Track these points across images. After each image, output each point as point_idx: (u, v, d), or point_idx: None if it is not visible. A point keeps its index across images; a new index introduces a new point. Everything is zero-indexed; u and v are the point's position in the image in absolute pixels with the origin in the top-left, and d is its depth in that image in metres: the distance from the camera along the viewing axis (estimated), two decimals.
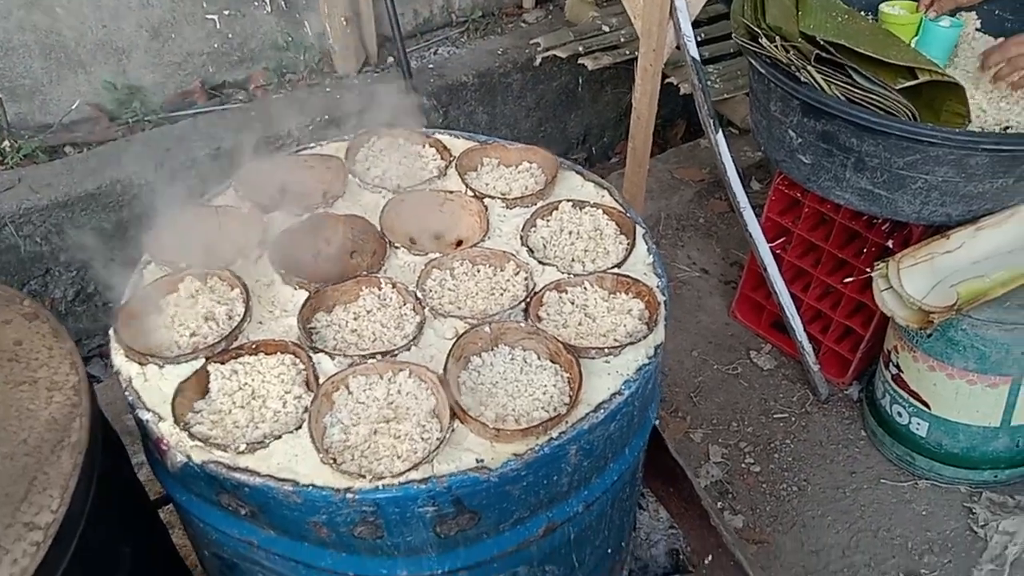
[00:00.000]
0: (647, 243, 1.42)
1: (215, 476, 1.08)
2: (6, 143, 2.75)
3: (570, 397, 1.15)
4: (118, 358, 1.19)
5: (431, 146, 1.61)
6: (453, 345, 1.19)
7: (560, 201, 1.48)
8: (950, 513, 2.11)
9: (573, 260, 1.40)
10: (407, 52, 3.14)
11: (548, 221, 1.46)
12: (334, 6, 3.13)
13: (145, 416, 1.13)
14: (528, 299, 1.29)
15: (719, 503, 2.18)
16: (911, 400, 2.10)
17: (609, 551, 1.45)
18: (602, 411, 1.14)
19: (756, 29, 1.93)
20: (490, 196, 1.48)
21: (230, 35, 3.14)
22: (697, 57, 2.11)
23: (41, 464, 1.03)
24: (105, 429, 1.22)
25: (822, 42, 1.85)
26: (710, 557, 1.84)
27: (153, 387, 1.16)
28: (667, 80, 3.01)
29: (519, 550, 1.21)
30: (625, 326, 1.27)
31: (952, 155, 1.80)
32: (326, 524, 1.09)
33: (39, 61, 2.75)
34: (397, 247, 1.39)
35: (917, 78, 1.82)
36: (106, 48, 2.89)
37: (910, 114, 1.79)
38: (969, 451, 2.10)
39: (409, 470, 1.05)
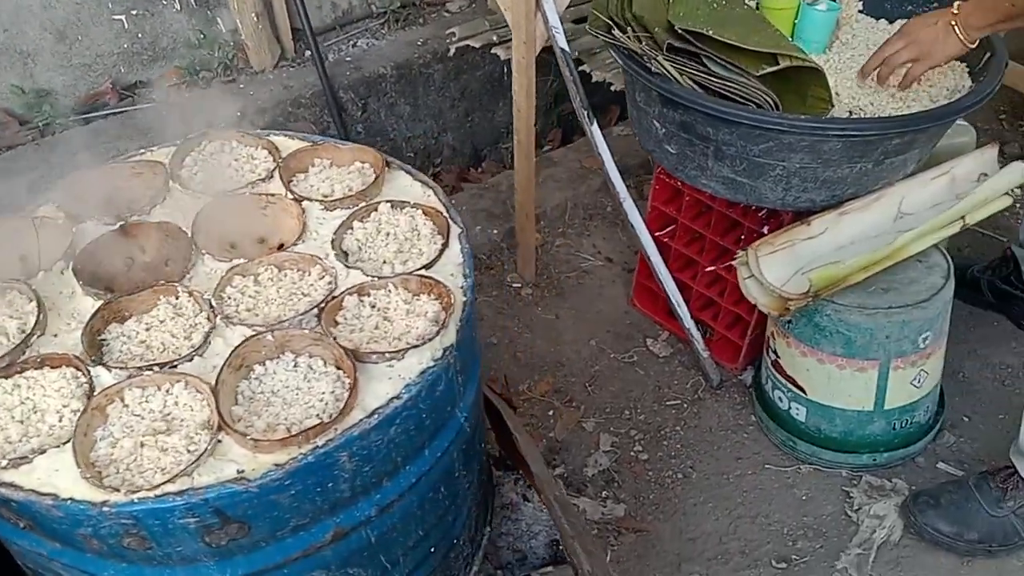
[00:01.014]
0: (461, 243, 1.42)
1: None
2: None
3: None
4: None
5: (263, 148, 1.61)
6: (231, 354, 1.19)
7: (380, 202, 1.48)
8: (829, 498, 2.12)
9: (384, 262, 1.40)
10: (321, 46, 3.13)
11: (365, 223, 1.46)
12: (244, 1, 3.11)
13: None
14: (324, 304, 1.29)
15: (603, 492, 2.19)
16: (789, 385, 2.11)
17: (432, 550, 1.46)
18: (376, 416, 1.15)
19: (614, 19, 1.92)
20: (309, 199, 1.48)
21: (140, 34, 3.13)
22: (566, 48, 2.10)
23: None
24: None
25: (679, 31, 1.84)
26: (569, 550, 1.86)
27: None
28: (581, 68, 3.00)
29: (307, 555, 1.22)
30: (417, 328, 1.27)
31: (804, 141, 1.79)
32: (94, 536, 1.10)
33: None
34: (204, 254, 1.39)
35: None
36: (10, 52, 2.88)
37: (771, 102, 1.78)
38: (847, 435, 2.10)
39: (166, 483, 1.06)
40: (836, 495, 2.13)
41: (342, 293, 1.32)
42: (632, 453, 2.28)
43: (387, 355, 1.21)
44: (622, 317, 2.62)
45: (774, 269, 1.88)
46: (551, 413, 2.38)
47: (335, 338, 1.23)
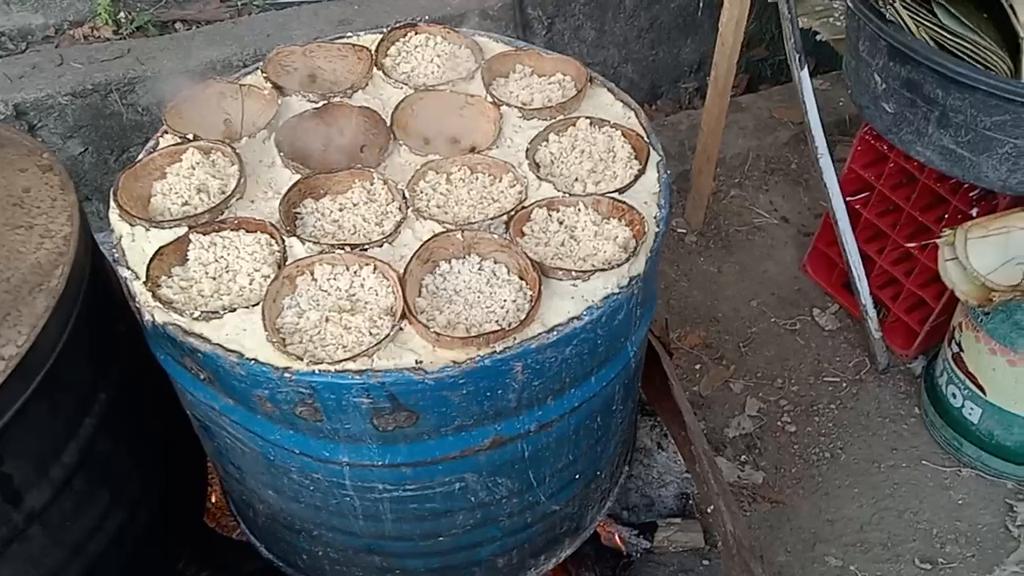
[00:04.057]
0: (659, 171, 1.36)
1: (174, 338, 1.13)
2: (122, 14, 2.90)
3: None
4: (113, 217, 1.25)
5: (467, 47, 1.58)
6: (421, 246, 1.18)
7: (579, 118, 1.42)
8: (988, 507, 1.97)
9: (576, 180, 1.35)
10: None
11: (561, 137, 1.41)
12: None
13: (125, 274, 1.19)
14: (514, 212, 1.26)
15: (742, 456, 2.11)
16: (967, 382, 1.95)
17: (577, 476, 1.43)
18: (555, 333, 1.12)
19: None
20: (508, 104, 1.44)
21: None
22: None
23: (17, 303, 1.11)
24: (100, 282, 1.30)
25: None
26: (711, 507, 1.80)
27: (137, 248, 1.22)
28: None
29: (464, 456, 1.22)
30: (605, 252, 1.22)
31: None
32: (269, 400, 1.13)
33: None
34: (402, 144, 1.38)
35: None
36: None
37: (1008, 69, 1.61)
38: (1022, 445, 1.93)
39: (346, 360, 1.07)
40: (997, 506, 1.98)
41: (531, 205, 1.28)
42: (779, 423, 2.18)
43: (573, 273, 1.17)
44: (790, 282, 2.49)
45: (983, 256, 1.71)
46: (698, 367, 2.31)
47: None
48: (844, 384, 2.25)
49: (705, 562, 1.84)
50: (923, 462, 2.07)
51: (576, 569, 1.77)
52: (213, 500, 1.82)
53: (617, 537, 1.80)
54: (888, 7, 1.67)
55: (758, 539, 1.94)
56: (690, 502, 1.98)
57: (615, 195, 1.30)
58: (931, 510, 1.98)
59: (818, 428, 2.16)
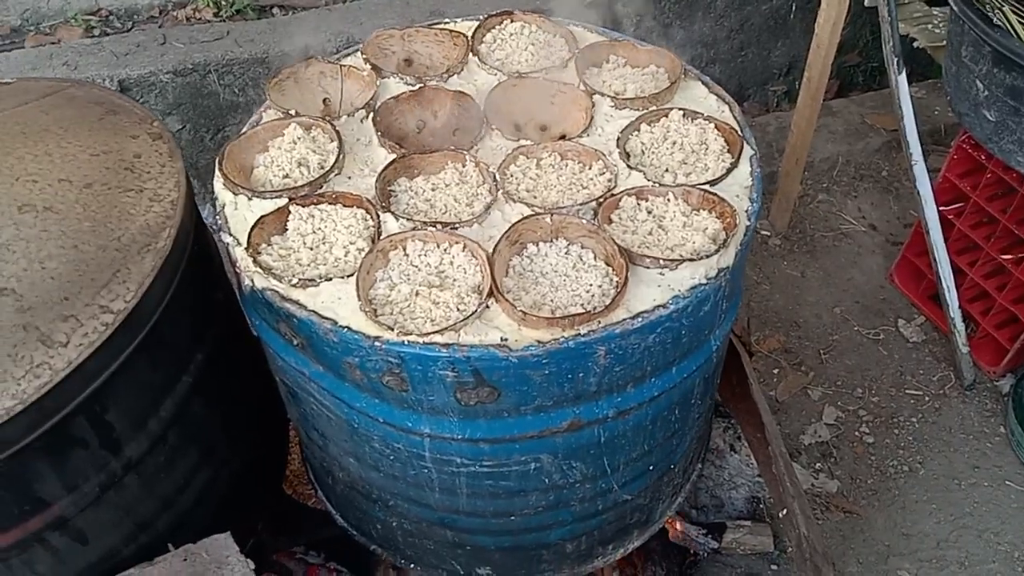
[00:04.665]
0: (752, 166, 1.35)
1: (271, 303, 1.17)
2: None
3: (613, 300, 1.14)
4: (218, 186, 1.31)
5: (561, 36, 1.59)
6: (510, 228, 1.20)
7: (672, 109, 1.42)
8: None
9: (667, 170, 1.35)
10: None
11: (653, 127, 1.41)
12: None
13: (227, 240, 1.24)
14: (603, 199, 1.26)
15: (817, 464, 2.08)
16: None
17: (651, 468, 1.43)
18: (640, 319, 1.12)
19: None
20: (601, 93, 1.45)
21: None
22: None
23: (127, 261, 1.17)
24: (201, 248, 1.36)
25: None
26: (784, 511, 1.78)
27: (240, 216, 1.27)
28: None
29: (541, 437, 1.23)
30: (693, 243, 1.22)
31: None
32: (359, 367, 1.16)
33: None
34: (494, 129, 1.40)
35: None
36: None
37: None
38: None
39: (435, 333, 1.10)
40: None
41: (621, 193, 1.28)
42: (857, 433, 2.14)
43: (661, 262, 1.17)
44: (875, 291, 2.43)
45: None
46: (776, 372, 2.27)
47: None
48: (927, 398, 2.19)
49: (773, 567, 1.83)
50: (1007, 483, 2.00)
51: (643, 562, 1.77)
52: (291, 469, 1.88)
53: (686, 533, 1.79)
54: (996, 11, 1.62)
55: (830, 547, 1.91)
56: (760, 506, 1.96)
57: (706, 187, 1.30)
58: (1013, 532, 1.91)
59: (897, 441, 2.11)
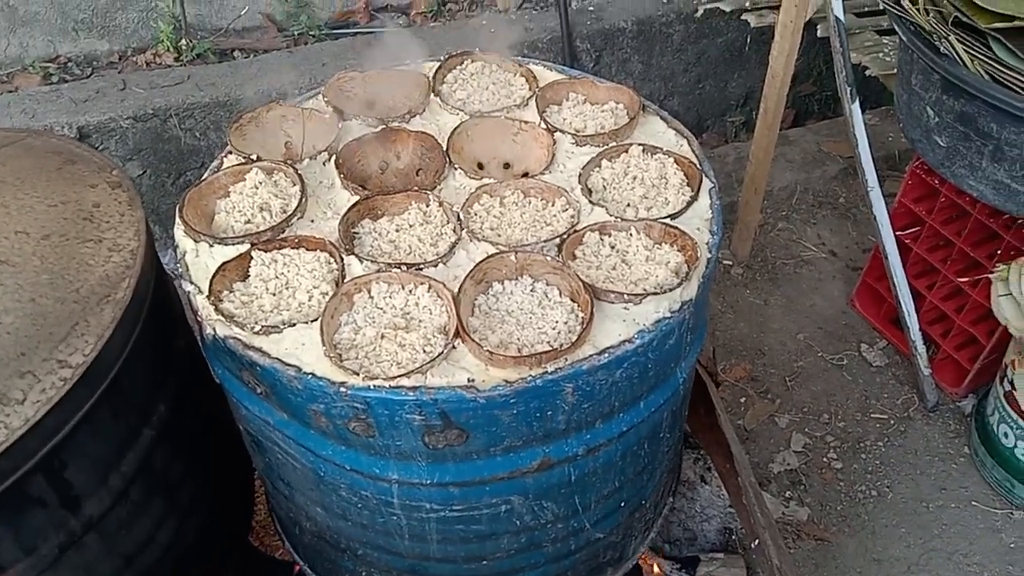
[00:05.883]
0: (711, 198, 1.36)
1: (234, 352, 1.16)
2: (183, 41, 3.00)
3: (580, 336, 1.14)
4: (178, 233, 1.29)
5: (521, 75, 1.61)
6: (475, 267, 1.20)
7: (631, 144, 1.44)
8: None
9: (628, 205, 1.37)
10: None
11: (614, 163, 1.43)
12: None
13: (188, 288, 1.23)
14: (566, 235, 1.27)
15: (787, 492, 2.09)
16: (1020, 422, 1.91)
17: (622, 504, 1.43)
18: (606, 355, 1.13)
19: None
20: (562, 131, 1.47)
21: None
22: (841, 17, 1.96)
23: (85, 313, 1.14)
24: (162, 296, 1.33)
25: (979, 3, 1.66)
26: (755, 542, 1.78)
27: (201, 263, 1.25)
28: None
29: (512, 478, 1.22)
30: (657, 276, 1.23)
31: None
32: (324, 414, 1.15)
33: None
34: (457, 169, 1.41)
35: None
36: None
37: None
38: None
39: (401, 376, 1.09)
40: None
41: (584, 228, 1.29)
42: (825, 459, 2.15)
43: (625, 296, 1.18)
44: (837, 316, 2.46)
45: None
46: (743, 400, 2.29)
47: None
48: (892, 421, 2.22)
49: None
50: (973, 503, 2.03)
51: None
52: (258, 520, 1.84)
53: (658, 568, 1.78)
54: (942, 40, 1.67)
55: None
56: (733, 537, 1.95)
57: (667, 221, 1.31)
58: (981, 553, 1.93)
59: (865, 465, 2.13)
